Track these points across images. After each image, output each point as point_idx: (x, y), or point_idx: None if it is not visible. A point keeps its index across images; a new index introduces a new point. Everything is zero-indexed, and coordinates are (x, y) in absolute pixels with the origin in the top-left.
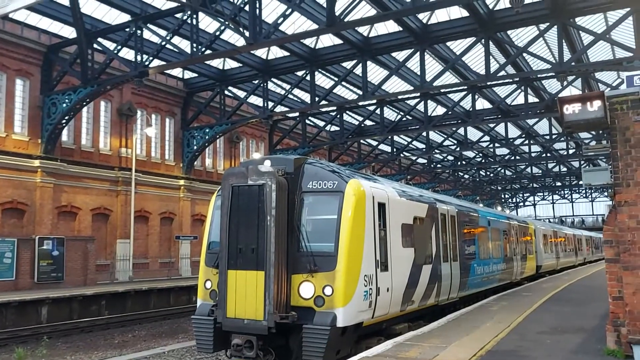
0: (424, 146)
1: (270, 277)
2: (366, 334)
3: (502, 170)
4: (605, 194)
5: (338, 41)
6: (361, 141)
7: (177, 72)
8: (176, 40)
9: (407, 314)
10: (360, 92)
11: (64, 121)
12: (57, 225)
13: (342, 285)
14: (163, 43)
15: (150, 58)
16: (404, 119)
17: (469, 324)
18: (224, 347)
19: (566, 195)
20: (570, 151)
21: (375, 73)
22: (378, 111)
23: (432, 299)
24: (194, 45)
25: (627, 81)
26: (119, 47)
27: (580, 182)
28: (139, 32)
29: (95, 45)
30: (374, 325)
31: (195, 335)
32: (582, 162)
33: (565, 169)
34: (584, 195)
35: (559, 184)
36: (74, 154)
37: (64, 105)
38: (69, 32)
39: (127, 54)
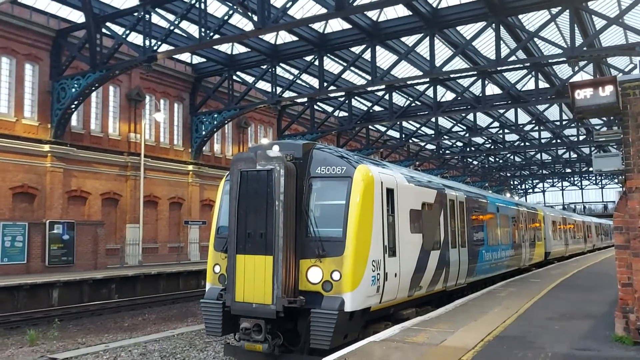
0: (432, 132)
1: (279, 261)
2: (374, 319)
3: (512, 157)
4: (616, 180)
5: (347, 26)
6: (370, 127)
7: (185, 57)
8: (184, 24)
9: (415, 300)
10: (369, 78)
11: (73, 106)
12: (67, 210)
13: (350, 271)
14: (171, 28)
15: (159, 43)
16: (413, 104)
17: (477, 310)
18: (233, 331)
19: (576, 182)
20: (581, 137)
21: (384, 58)
22: (387, 97)
23: (440, 285)
24: (202, 29)
25: None
26: (128, 32)
27: (590, 169)
28: (147, 16)
29: (103, 30)
30: (381, 310)
31: (204, 319)
32: (593, 148)
33: (575, 156)
34: (594, 182)
35: (568, 170)
36: (84, 139)
37: (73, 90)
38: (78, 16)
39: (136, 38)
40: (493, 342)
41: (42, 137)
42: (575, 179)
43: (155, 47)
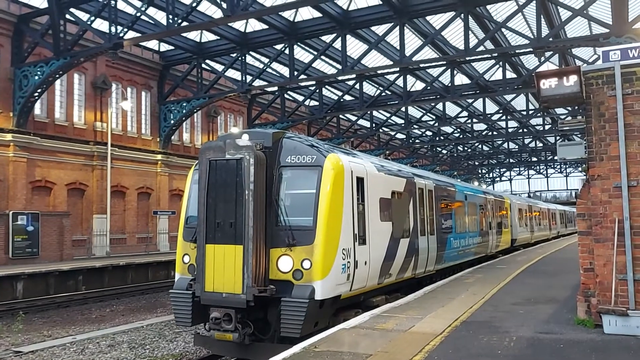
0: (402, 121)
1: (249, 251)
2: (344, 306)
3: (480, 146)
4: (580, 169)
5: (317, 14)
6: (340, 116)
7: (152, 44)
8: (151, 11)
9: (385, 287)
10: (340, 67)
11: (36, 94)
12: (31, 201)
13: (320, 259)
14: (138, 14)
15: (125, 30)
16: (383, 94)
17: (445, 296)
18: (203, 321)
19: (541, 171)
20: (547, 127)
21: (354, 47)
22: (357, 86)
23: (409, 272)
24: (170, 16)
25: (602, 56)
26: (93, 18)
27: (556, 157)
28: (112, 2)
29: (67, 16)
30: (351, 298)
31: (174, 309)
32: (558, 137)
33: (541, 145)
34: (559, 171)
35: (534, 159)
36: (48, 128)
37: (36, 77)
38: (40, 1)
39: (101, 25)
40: (460, 327)
41: (4, 126)
42: (541, 167)
43: (121, 34)
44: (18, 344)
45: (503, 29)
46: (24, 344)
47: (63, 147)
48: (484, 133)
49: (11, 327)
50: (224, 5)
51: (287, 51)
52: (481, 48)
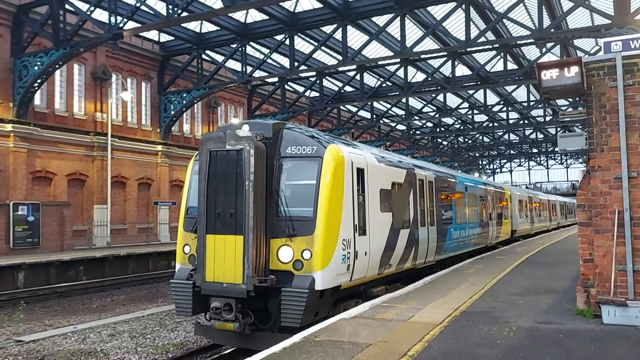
0: (403, 112)
1: (249, 241)
2: (344, 296)
3: (480, 137)
4: (580, 160)
5: (318, 5)
6: (341, 107)
7: (152, 34)
8: (151, 1)
9: (385, 277)
10: (340, 58)
11: (36, 84)
12: (31, 191)
13: (321, 249)
14: (138, 4)
15: (125, 20)
16: (384, 85)
17: (445, 286)
18: (203, 311)
19: (542, 162)
20: (547, 118)
21: (355, 38)
22: (358, 77)
23: (409, 263)
24: (170, 6)
25: (604, 47)
26: (92, 8)
27: (556, 149)
28: None
29: (67, 6)
30: (351, 288)
31: (174, 299)
32: (559, 128)
33: (542, 136)
34: (559, 162)
35: (535, 150)
36: (48, 119)
37: (36, 67)
38: None
39: (101, 15)
40: (460, 317)
41: (4, 116)
42: (542, 158)
43: (121, 25)
44: (19, 333)
45: (504, 20)
46: (25, 333)
47: (63, 138)
48: (484, 124)
49: (12, 317)
50: None
51: (287, 42)
52: (482, 39)
